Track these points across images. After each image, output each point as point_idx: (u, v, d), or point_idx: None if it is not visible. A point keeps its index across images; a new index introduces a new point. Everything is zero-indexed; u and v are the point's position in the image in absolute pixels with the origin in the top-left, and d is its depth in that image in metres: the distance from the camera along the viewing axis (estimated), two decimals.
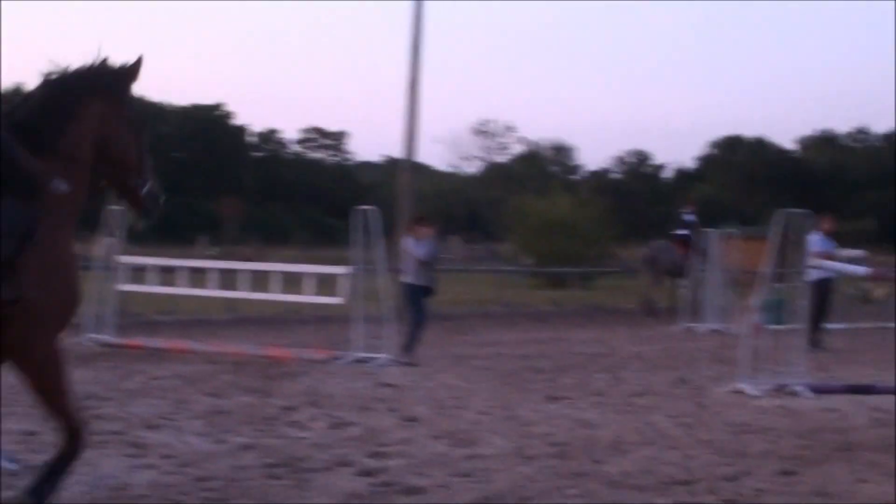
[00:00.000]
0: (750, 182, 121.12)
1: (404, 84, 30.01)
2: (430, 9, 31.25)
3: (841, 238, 26.32)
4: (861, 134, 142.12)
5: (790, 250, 16.09)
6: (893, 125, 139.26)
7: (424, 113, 33.10)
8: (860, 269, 18.41)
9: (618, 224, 49.41)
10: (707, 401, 12.80)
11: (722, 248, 24.39)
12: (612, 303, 31.85)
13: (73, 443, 6.44)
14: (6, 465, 7.79)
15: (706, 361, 17.17)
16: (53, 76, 6.66)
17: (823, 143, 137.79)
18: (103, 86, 6.71)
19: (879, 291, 34.80)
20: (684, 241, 27.53)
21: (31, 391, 6.40)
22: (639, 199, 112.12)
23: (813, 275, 17.70)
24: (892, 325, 24.76)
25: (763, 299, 15.23)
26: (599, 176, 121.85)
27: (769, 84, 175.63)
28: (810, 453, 9.54)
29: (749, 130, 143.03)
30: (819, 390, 13.44)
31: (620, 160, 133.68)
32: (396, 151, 39.12)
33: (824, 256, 18.29)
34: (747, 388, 13.28)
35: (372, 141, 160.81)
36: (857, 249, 28.18)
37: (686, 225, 28.35)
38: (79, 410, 6.57)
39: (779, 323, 18.68)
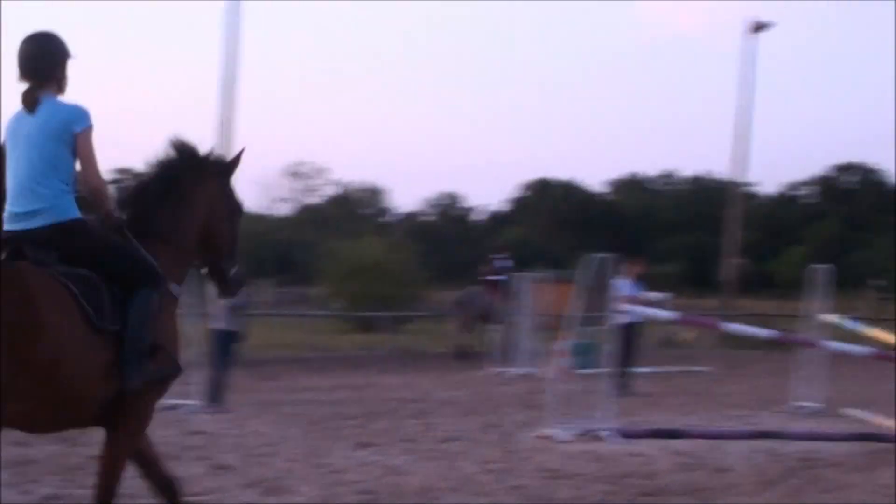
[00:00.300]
0: (560, 225, 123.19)
1: (216, 123, 29.85)
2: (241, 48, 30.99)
3: (649, 281, 26.99)
4: (667, 177, 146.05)
5: (598, 294, 16.44)
6: (698, 170, 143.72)
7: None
8: (667, 314, 18.88)
9: (429, 267, 49.75)
10: (516, 446, 12.96)
11: (532, 291, 24.73)
12: (423, 347, 32.00)
13: None
14: None
15: (515, 406, 17.37)
16: (164, 162, 7.03)
17: (632, 187, 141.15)
18: (212, 175, 7.09)
19: (686, 335, 35.74)
20: (495, 286, 27.80)
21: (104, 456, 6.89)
22: (450, 242, 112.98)
23: (620, 319, 18.12)
24: (699, 368, 25.50)
25: (571, 343, 15.51)
26: (411, 218, 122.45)
27: (578, 126, 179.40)
28: (616, 499, 9.73)
29: (559, 173, 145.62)
30: (626, 435, 13.70)
31: (432, 203, 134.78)
32: None
33: (632, 301, 18.72)
34: (555, 433, 13.47)
35: None
36: (663, 293, 28.84)
37: (497, 270, 28.65)
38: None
39: (587, 367, 19.08)
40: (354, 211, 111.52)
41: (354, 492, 9.87)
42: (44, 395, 6.17)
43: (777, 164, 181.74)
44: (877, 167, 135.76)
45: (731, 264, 45.01)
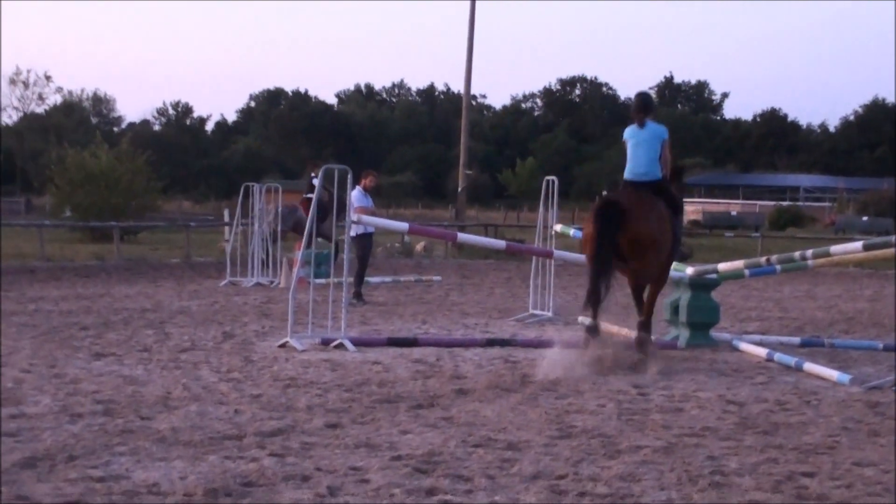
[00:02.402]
0: (291, 135, 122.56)
1: None
2: None
3: (381, 192, 27.12)
4: (399, 89, 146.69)
5: (332, 205, 16.45)
6: (429, 82, 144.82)
7: None
8: (401, 224, 19.06)
9: (161, 177, 48.94)
10: (254, 356, 12.94)
11: (265, 201, 24.62)
12: (158, 257, 31.57)
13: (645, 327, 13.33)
14: None
15: (252, 316, 17.33)
16: None
17: (362, 97, 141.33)
18: None
19: (419, 245, 36.22)
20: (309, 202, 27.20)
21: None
22: (182, 152, 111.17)
23: (354, 230, 18.22)
24: (433, 277, 25.88)
25: (306, 253, 15.52)
26: (141, 127, 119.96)
27: (311, 38, 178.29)
28: (355, 406, 9.82)
29: (290, 83, 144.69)
30: (363, 343, 13.85)
31: (162, 112, 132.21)
32: None
33: (365, 212, 18.85)
34: (293, 342, 13.51)
35: None
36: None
37: (313, 187, 28.18)
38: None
39: (322, 277, 19.16)
40: (82, 120, 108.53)
41: (93, 402, 9.70)
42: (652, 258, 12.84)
43: (506, 77, 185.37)
44: (602, 81, 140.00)
45: (462, 175, 45.62)
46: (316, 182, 24.71)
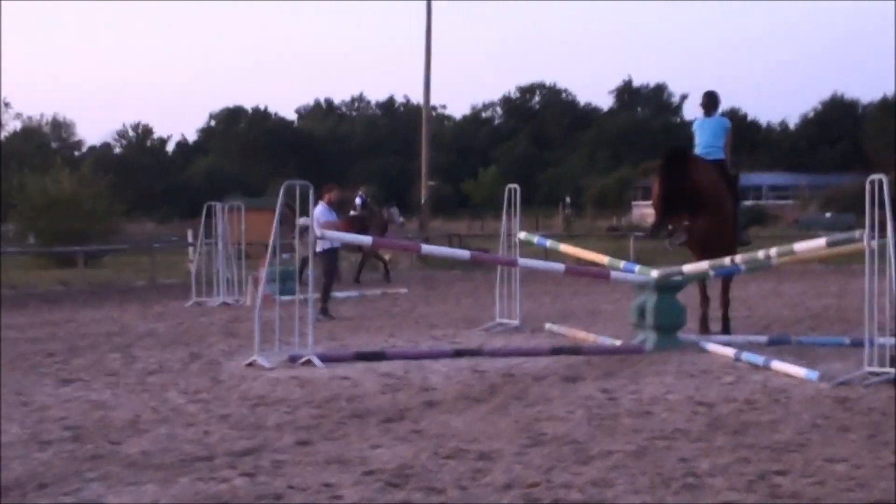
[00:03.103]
0: (252, 153, 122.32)
1: None
2: None
3: (344, 207, 27.20)
4: (359, 102, 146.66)
5: (295, 221, 16.42)
6: (388, 94, 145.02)
7: None
8: (366, 239, 19.06)
9: (123, 199, 48.73)
10: (222, 375, 12.89)
11: (228, 220, 24.54)
12: (123, 280, 31.43)
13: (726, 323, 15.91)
14: None
15: (218, 336, 17.26)
16: None
17: (322, 112, 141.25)
18: None
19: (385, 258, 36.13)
20: (353, 221, 27.92)
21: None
22: (143, 173, 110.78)
23: (320, 245, 18.19)
24: (398, 290, 25.85)
25: (271, 270, 15.46)
26: (102, 150, 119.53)
27: (269, 55, 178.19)
28: (325, 422, 9.80)
29: (250, 101, 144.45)
30: (330, 359, 13.81)
31: (122, 134, 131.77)
32: None
33: (330, 226, 18.82)
34: (261, 360, 13.46)
35: None
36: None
37: (357, 206, 29.68)
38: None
39: (287, 294, 19.09)
40: (41, 145, 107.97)
41: (61, 428, 9.64)
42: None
43: (465, 86, 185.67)
44: (561, 87, 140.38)
45: (425, 186, 45.63)
46: (358, 201, 24.66)
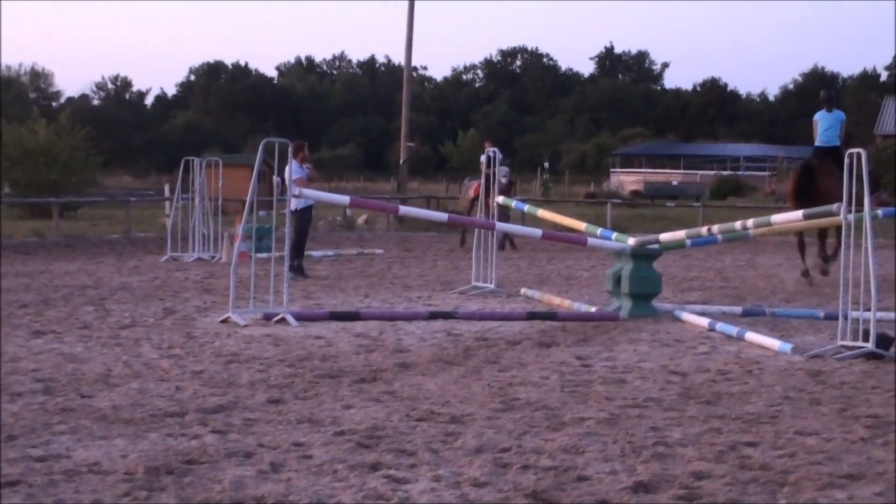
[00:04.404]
0: (231, 109, 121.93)
1: None
2: None
3: (324, 165, 26.98)
4: (339, 61, 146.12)
5: (272, 178, 16.35)
6: (370, 54, 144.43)
7: None
8: (342, 198, 18.99)
9: (100, 152, 48.52)
10: (195, 331, 12.85)
11: (205, 176, 24.43)
12: (97, 233, 31.30)
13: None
14: None
15: (193, 291, 17.22)
16: None
17: (303, 70, 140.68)
18: None
19: (361, 218, 36.14)
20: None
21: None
22: (121, 126, 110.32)
23: (295, 203, 18.11)
24: (374, 251, 25.81)
25: (247, 228, 15.40)
26: (80, 102, 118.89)
27: (251, 10, 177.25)
28: (298, 381, 9.77)
29: (230, 57, 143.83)
30: (305, 318, 13.79)
31: (101, 86, 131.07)
32: None
33: (303, 183, 18.72)
34: (235, 317, 13.42)
35: None
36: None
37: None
38: None
39: (263, 251, 19.05)
40: (19, 94, 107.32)
41: (32, 380, 9.60)
42: None
43: (446, 48, 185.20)
44: (543, 52, 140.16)
45: (404, 148, 45.54)
46: (484, 159, 22.88)
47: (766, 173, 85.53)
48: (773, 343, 12.03)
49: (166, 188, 35.90)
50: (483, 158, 24.39)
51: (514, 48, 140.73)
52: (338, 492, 6.39)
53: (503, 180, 24.01)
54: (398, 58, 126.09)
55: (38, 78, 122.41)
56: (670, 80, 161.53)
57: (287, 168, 16.30)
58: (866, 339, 11.38)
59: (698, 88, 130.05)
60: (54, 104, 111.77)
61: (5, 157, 42.26)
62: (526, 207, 19.53)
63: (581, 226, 17.02)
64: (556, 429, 8.07)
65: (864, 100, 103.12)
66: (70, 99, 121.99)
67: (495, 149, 20.34)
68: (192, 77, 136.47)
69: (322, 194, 18.39)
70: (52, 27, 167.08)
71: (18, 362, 10.59)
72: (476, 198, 24.05)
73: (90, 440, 7.56)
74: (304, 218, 19.68)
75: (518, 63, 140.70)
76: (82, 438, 7.60)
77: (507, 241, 26.22)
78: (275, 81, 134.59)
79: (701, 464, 7.15)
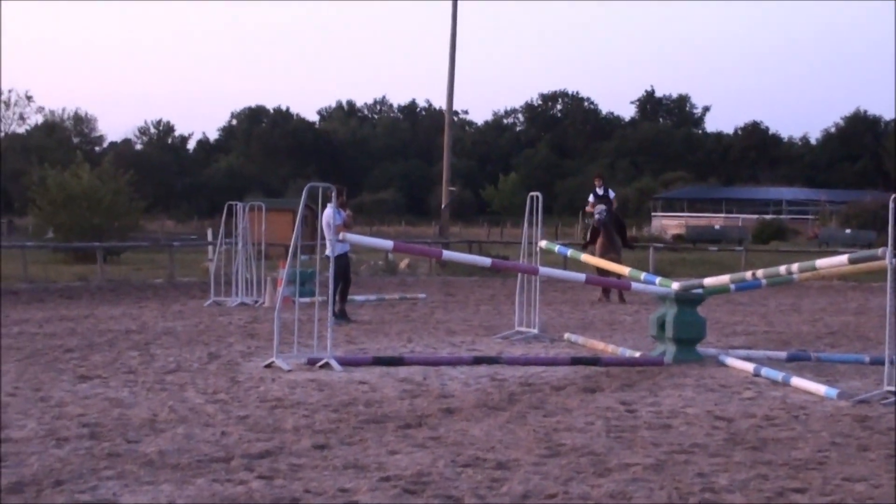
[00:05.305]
0: (273, 153, 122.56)
1: None
2: None
3: (364, 209, 27.06)
4: (381, 105, 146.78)
5: (316, 223, 16.41)
6: (410, 98, 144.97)
7: None
8: (385, 242, 19.03)
9: (143, 196, 48.86)
10: (240, 376, 12.88)
11: (249, 220, 24.54)
12: (141, 277, 31.47)
13: None
14: None
15: (237, 336, 17.26)
16: None
17: (344, 114, 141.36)
18: None
19: (403, 262, 36.15)
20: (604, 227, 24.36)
21: None
22: (164, 171, 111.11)
23: (337, 248, 18.17)
24: (417, 295, 25.81)
25: (291, 272, 15.44)
26: (123, 147, 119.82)
27: (292, 55, 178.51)
28: (343, 426, 9.78)
29: (272, 101, 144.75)
30: (349, 363, 13.80)
31: (143, 131, 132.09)
32: None
33: (344, 229, 18.76)
34: (279, 362, 13.45)
35: None
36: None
37: (599, 197, 25.09)
38: None
39: (307, 296, 19.11)
40: (63, 139, 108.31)
41: (79, 425, 9.65)
42: None
43: (487, 92, 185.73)
44: (584, 95, 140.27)
45: (446, 192, 45.61)
46: (599, 192, 22.71)
47: (809, 217, 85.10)
48: (820, 388, 11.95)
49: (209, 233, 36.18)
50: (591, 198, 24.83)
51: (555, 92, 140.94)
52: None
53: (597, 217, 23.94)
54: (439, 102, 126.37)
55: (82, 123, 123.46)
56: (711, 124, 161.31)
57: (325, 213, 16.36)
58: None
59: (739, 132, 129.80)
60: (97, 149, 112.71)
61: (50, 202, 42.63)
62: (569, 252, 19.51)
63: (624, 270, 16.99)
64: (602, 475, 8.04)
65: None
66: (113, 143, 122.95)
67: (600, 185, 20.41)
68: (234, 121, 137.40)
69: (365, 239, 18.43)
70: (94, 73, 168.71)
71: (64, 407, 10.65)
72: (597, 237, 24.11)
73: (137, 485, 7.59)
74: (341, 263, 19.69)
75: (559, 107, 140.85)
76: (129, 484, 7.63)
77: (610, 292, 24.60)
78: (316, 126, 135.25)
79: None
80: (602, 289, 23.75)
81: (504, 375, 13.13)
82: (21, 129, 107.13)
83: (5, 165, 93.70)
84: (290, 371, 13.19)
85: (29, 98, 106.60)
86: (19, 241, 43.31)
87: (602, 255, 20.02)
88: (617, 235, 24.23)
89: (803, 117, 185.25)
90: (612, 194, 24.39)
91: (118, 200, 43.56)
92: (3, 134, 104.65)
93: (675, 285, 14.98)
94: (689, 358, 14.44)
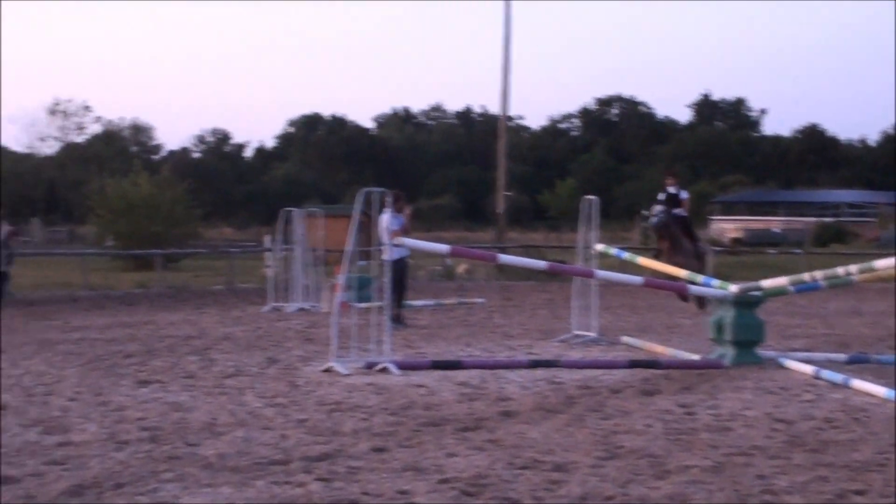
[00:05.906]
0: (329, 160, 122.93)
1: None
2: None
3: (422, 215, 27.11)
4: (436, 111, 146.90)
5: (372, 228, 16.47)
6: (465, 105, 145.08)
7: None
8: (442, 247, 19.04)
9: (201, 204, 49.22)
10: (299, 380, 12.94)
11: (306, 226, 24.66)
12: (200, 284, 31.70)
13: None
14: None
15: (295, 341, 17.34)
16: None
17: (400, 121, 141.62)
18: None
19: (462, 267, 36.18)
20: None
21: None
22: (221, 178, 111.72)
23: (393, 253, 18.20)
24: (475, 300, 25.83)
25: (348, 277, 15.49)
26: (180, 155, 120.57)
27: (347, 63, 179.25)
28: (401, 429, 9.80)
29: (327, 109, 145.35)
30: (407, 367, 13.82)
31: (201, 139, 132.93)
32: None
33: (401, 234, 18.79)
34: (337, 366, 13.50)
35: None
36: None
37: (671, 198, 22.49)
38: None
39: (365, 301, 19.16)
40: (122, 148, 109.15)
41: (139, 429, 9.74)
42: None
43: (542, 97, 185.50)
44: (639, 100, 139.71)
45: (502, 197, 45.60)
46: (671, 191, 21.89)
47: (869, 219, 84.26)
48: (880, 390, 11.84)
49: (267, 239, 36.30)
50: (660, 196, 22.51)
51: (611, 96, 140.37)
52: None
53: (654, 220, 22.36)
54: (494, 108, 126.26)
55: (140, 132, 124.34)
56: (769, 127, 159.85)
57: (382, 217, 16.37)
58: None
59: (797, 135, 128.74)
60: (155, 157, 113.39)
61: (109, 210, 43.05)
62: (626, 255, 19.45)
63: (682, 273, 16.92)
64: (660, 477, 8.01)
65: None
66: (171, 152, 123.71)
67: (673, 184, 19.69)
68: (291, 129, 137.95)
69: (422, 243, 18.43)
70: (152, 82, 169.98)
71: (125, 411, 10.75)
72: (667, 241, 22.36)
73: (197, 488, 7.65)
74: (398, 267, 19.69)
75: (615, 111, 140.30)
76: (189, 486, 7.69)
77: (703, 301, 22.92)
78: (372, 132, 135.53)
79: None
80: (697, 299, 22.00)
81: (562, 379, 13.12)
82: (80, 139, 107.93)
83: (66, 175, 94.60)
84: (348, 375, 13.24)
85: (87, 108, 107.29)
86: (80, 249, 43.75)
87: (668, 261, 19.40)
88: (686, 238, 22.50)
89: (861, 119, 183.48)
90: (683, 195, 22.24)
91: (176, 208, 43.96)
92: (63, 143, 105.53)
93: (734, 288, 14.89)
94: (749, 361, 14.35)
